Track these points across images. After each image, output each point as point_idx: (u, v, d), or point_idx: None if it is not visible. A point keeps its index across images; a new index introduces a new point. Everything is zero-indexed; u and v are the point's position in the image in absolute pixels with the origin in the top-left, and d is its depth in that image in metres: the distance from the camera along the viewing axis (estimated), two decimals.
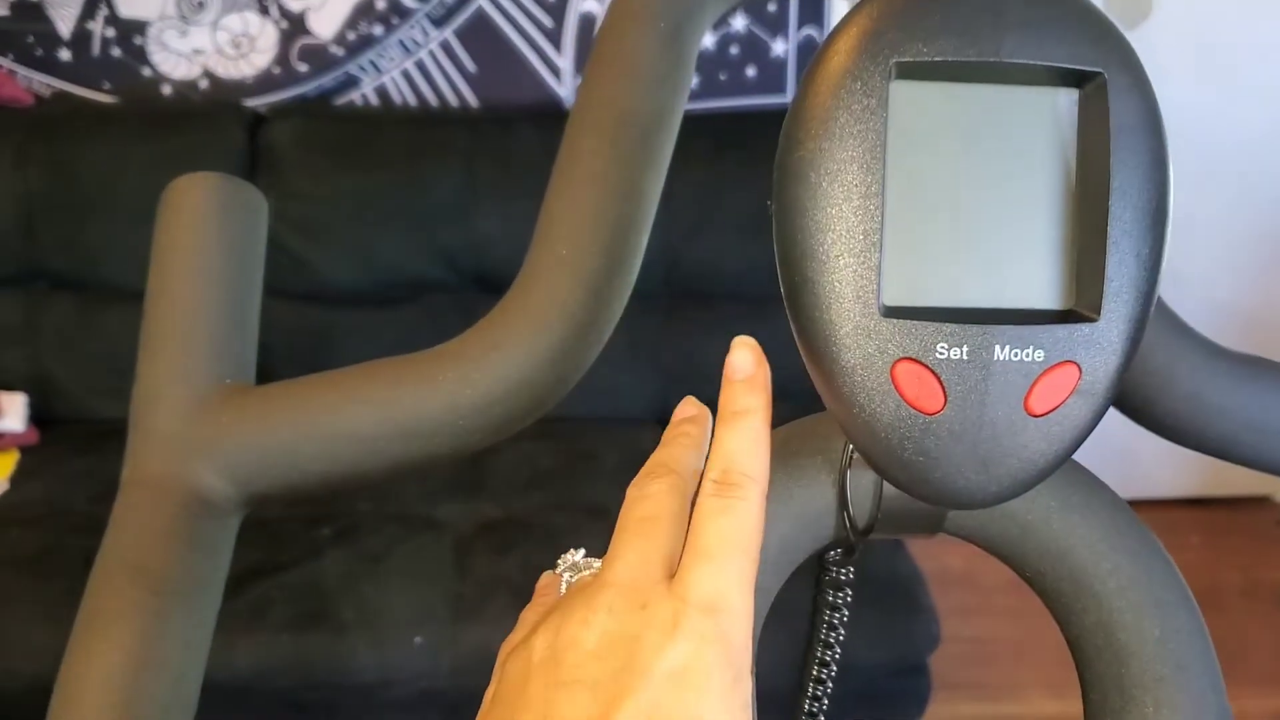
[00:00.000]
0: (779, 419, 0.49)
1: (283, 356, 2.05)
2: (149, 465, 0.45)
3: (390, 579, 1.65)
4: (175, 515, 0.44)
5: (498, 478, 1.89)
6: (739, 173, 2.07)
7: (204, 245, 0.48)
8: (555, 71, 2.22)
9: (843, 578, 0.43)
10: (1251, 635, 2.24)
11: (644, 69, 0.49)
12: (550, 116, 2.18)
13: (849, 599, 0.43)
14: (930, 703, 1.82)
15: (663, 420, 1.91)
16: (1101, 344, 0.35)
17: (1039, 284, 0.36)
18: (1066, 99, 0.36)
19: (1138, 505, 0.45)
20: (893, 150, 0.35)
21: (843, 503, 0.40)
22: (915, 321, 0.34)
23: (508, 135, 2.09)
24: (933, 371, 0.34)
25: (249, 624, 1.57)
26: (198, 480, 0.44)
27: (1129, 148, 0.35)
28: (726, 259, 2.10)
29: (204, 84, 2.21)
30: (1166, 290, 0.49)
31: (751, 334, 0.40)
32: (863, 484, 0.40)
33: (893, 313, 0.35)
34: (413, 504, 1.82)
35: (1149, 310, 0.36)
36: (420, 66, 2.21)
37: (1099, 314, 0.35)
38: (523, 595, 1.74)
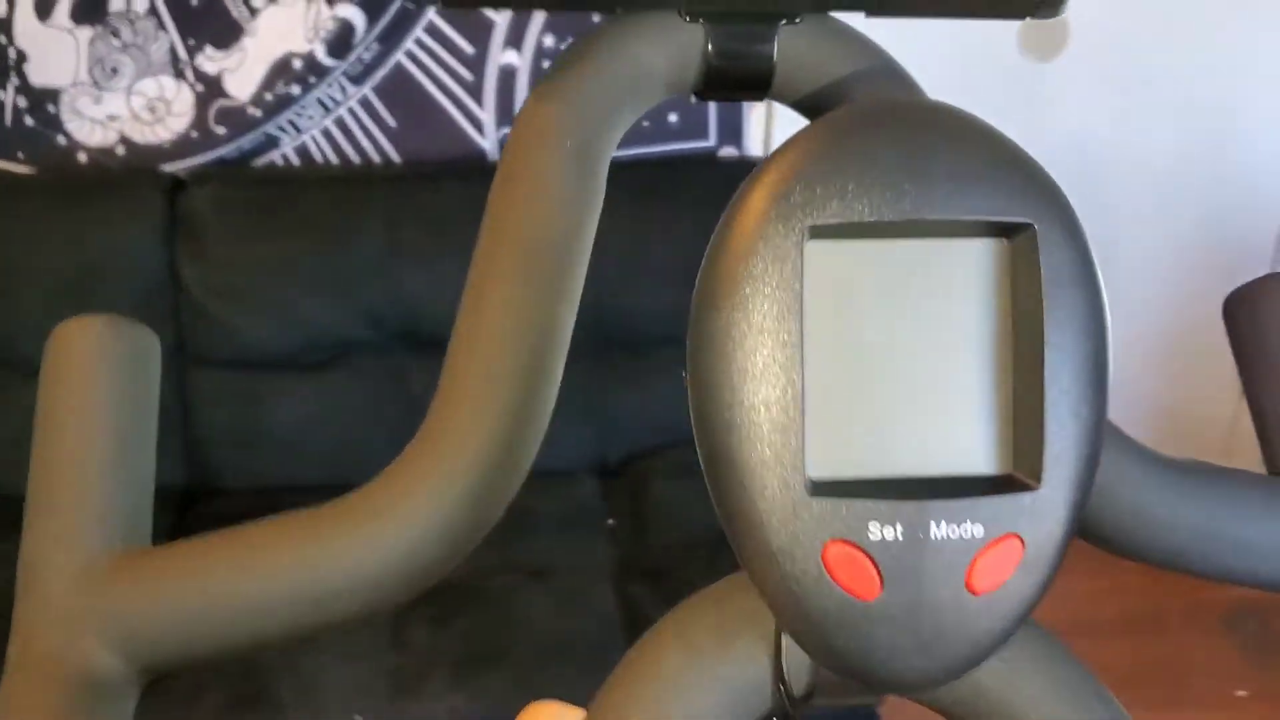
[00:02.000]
0: None
1: (210, 424, 2.01)
2: (36, 643, 0.42)
3: (326, 655, 1.61)
4: (66, 698, 0.41)
5: None
6: (664, 218, 2.06)
7: (92, 397, 0.45)
8: (477, 125, 2.20)
9: None
10: (1195, 658, 2.25)
11: (552, 190, 0.47)
12: (474, 171, 2.17)
13: None
14: None
15: (598, 471, 1.90)
16: (1044, 513, 0.33)
17: (975, 449, 0.34)
18: (996, 250, 0.34)
19: None
20: (811, 315, 0.33)
21: (778, 673, 0.38)
22: (845, 499, 0.32)
23: (431, 191, 2.07)
24: (867, 554, 0.33)
25: (182, 713, 1.53)
26: (89, 657, 0.42)
27: (1063, 301, 0.33)
28: (654, 305, 2.09)
29: (120, 150, 2.16)
30: None
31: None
32: (800, 651, 0.38)
33: (821, 490, 0.32)
34: None
35: (1093, 473, 0.34)
36: (340, 124, 2.18)
37: (1040, 480, 0.33)
38: (462, 667, 1.70)
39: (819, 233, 0.33)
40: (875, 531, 0.32)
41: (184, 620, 0.42)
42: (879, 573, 0.32)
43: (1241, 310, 0.52)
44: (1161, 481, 0.45)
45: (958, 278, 0.34)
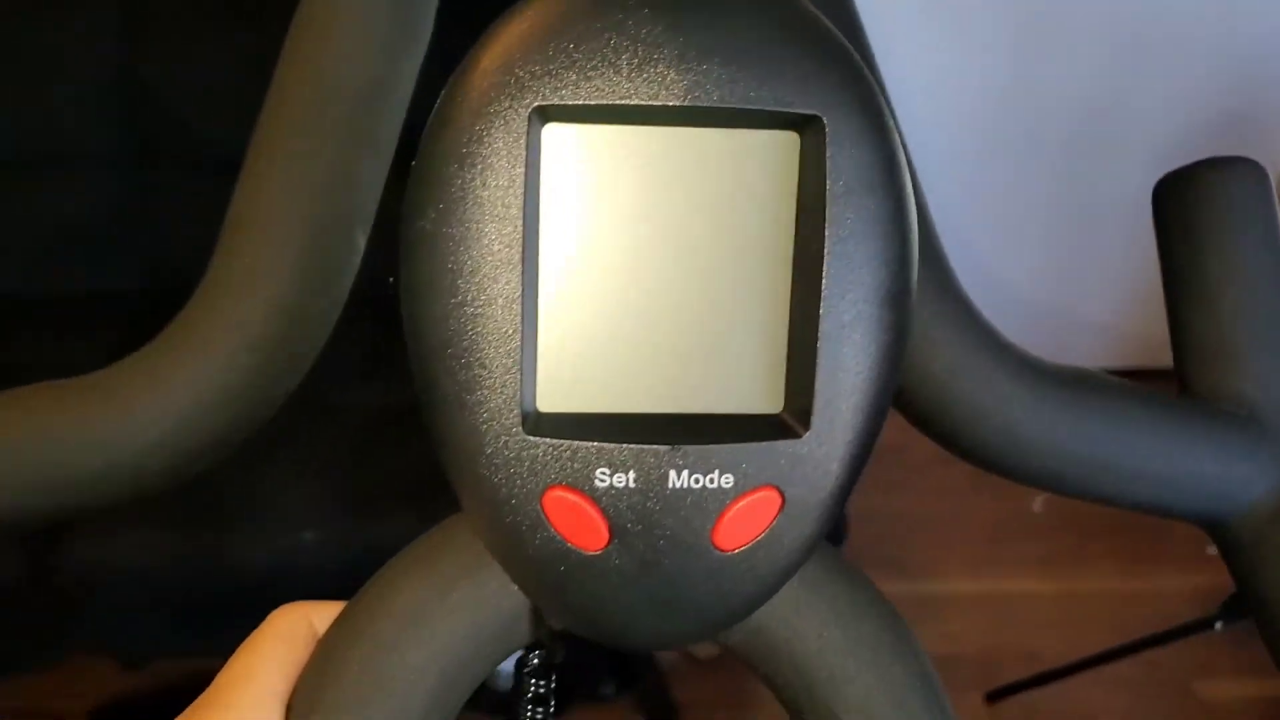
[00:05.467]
0: None
1: (172, 230, 1.95)
2: None
3: (280, 472, 1.59)
4: None
5: (402, 359, 1.81)
6: None
7: None
8: None
9: (541, 690, 0.36)
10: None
11: (359, 27, 0.41)
12: None
13: (551, 713, 0.36)
14: None
15: None
16: (810, 464, 0.28)
17: (738, 386, 0.28)
18: (781, 145, 0.27)
19: None
20: (547, 217, 0.27)
21: (535, 606, 0.33)
22: (569, 440, 0.28)
23: None
24: (592, 502, 0.28)
25: (130, 521, 1.51)
26: None
27: (850, 214, 0.27)
28: None
29: None
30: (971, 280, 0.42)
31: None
32: None
33: (543, 427, 0.28)
34: (310, 387, 1.75)
35: (877, 421, 0.28)
36: None
37: (807, 426, 0.28)
38: (420, 490, 1.67)
39: (555, 114, 0.27)
40: (602, 478, 0.28)
41: None
42: (607, 523, 0.28)
43: (1169, 199, 0.45)
44: (1034, 398, 0.40)
45: (731, 177, 0.28)
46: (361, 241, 0.41)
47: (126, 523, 1.51)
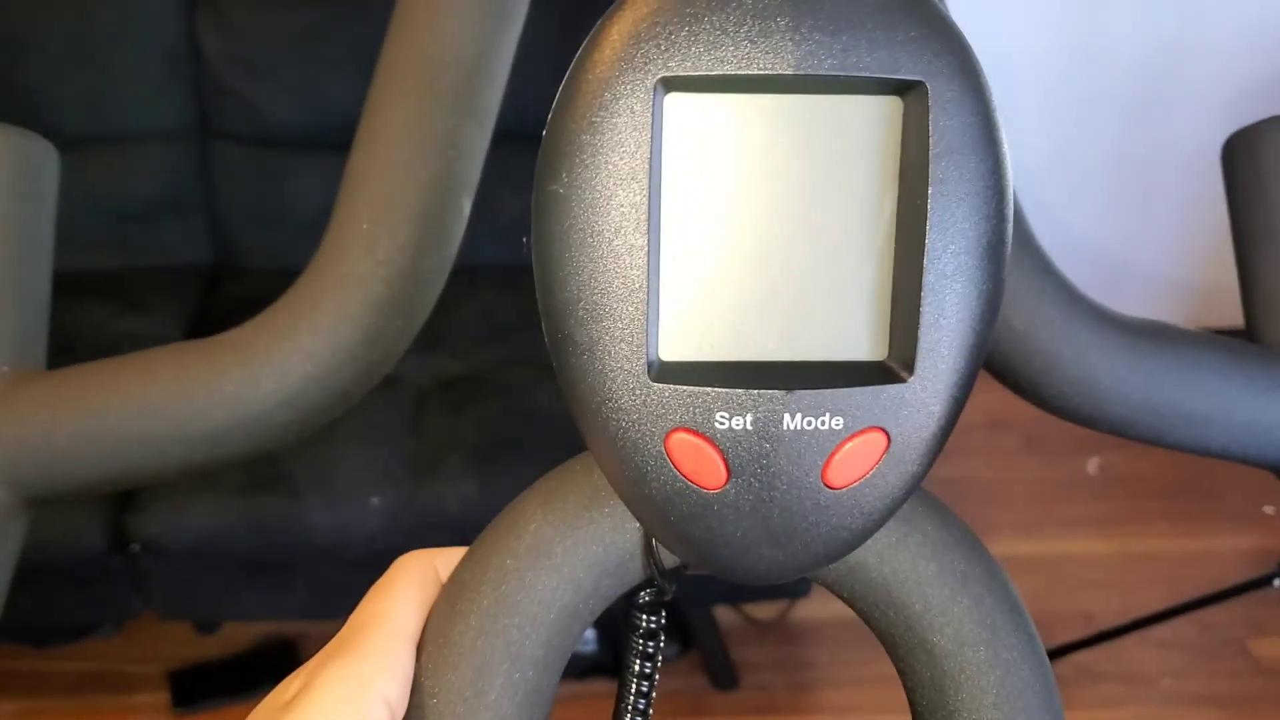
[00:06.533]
0: None
1: (233, 202, 1.98)
2: None
3: (344, 439, 1.62)
4: None
5: (457, 329, 1.84)
6: None
7: None
8: None
9: (653, 625, 0.38)
10: (1228, 472, 2.22)
11: (464, 4, 0.43)
12: None
13: (660, 646, 0.39)
14: None
15: None
16: (914, 407, 0.30)
17: (845, 334, 0.30)
18: (885, 110, 0.29)
19: None
20: (669, 179, 0.29)
21: (647, 544, 0.35)
22: (690, 387, 0.29)
23: None
24: (713, 443, 0.30)
25: (201, 488, 1.55)
26: None
27: (952, 173, 0.29)
28: None
29: None
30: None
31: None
32: None
33: (666, 375, 0.30)
34: None
35: (976, 366, 0.30)
36: None
37: (912, 372, 0.30)
38: (476, 455, 1.69)
39: (677, 85, 0.28)
40: (722, 421, 0.30)
41: (69, 449, 0.41)
42: (726, 463, 0.30)
43: (1240, 155, 0.46)
44: (1110, 346, 0.42)
45: (839, 140, 0.29)
46: (467, 206, 0.44)
47: (198, 490, 1.55)
